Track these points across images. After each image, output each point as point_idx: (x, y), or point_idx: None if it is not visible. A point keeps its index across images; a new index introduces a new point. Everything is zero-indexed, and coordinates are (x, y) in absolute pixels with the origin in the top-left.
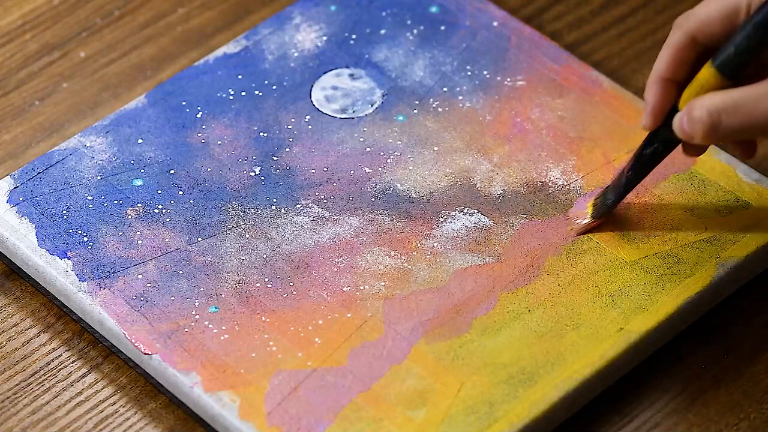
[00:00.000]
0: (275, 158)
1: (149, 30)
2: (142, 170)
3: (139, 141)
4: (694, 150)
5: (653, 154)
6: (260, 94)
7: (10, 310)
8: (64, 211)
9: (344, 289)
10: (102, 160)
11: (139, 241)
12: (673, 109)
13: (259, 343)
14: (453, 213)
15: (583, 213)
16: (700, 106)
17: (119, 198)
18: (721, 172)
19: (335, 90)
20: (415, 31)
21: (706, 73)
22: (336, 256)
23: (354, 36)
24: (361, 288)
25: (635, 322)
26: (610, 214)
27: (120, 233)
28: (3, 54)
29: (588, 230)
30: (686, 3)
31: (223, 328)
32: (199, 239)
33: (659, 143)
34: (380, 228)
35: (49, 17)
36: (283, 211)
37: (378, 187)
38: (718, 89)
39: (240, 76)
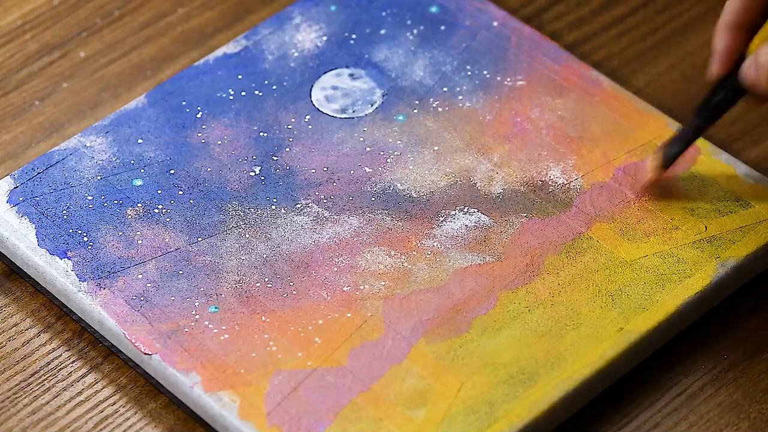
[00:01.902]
0: (275, 158)
1: (149, 30)
2: (142, 170)
3: (139, 141)
4: (760, 100)
5: (721, 102)
6: (260, 94)
7: (10, 310)
8: (64, 211)
9: (344, 288)
10: (102, 160)
11: (139, 241)
12: (742, 57)
13: (259, 343)
14: (453, 212)
15: (651, 165)
16: (766, 54)
17: (119, 198)
18: (721, 172)
19: (335, 90)
20: (415, 31)
21: None
22: (336, 256)
23: (354, 36)
24: (361, 288)
25: (635, 322)
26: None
27: (120, 233)
28: (3, 54)
29: (654, 182)
30: (687, 2)
31: (223, 328)
32: (199, 239)
33: (727, 91)
34: (380, 228)
35: (49, 17)
36: (283, 211)
37: (378, 186)
38: None
39: (240, 76)
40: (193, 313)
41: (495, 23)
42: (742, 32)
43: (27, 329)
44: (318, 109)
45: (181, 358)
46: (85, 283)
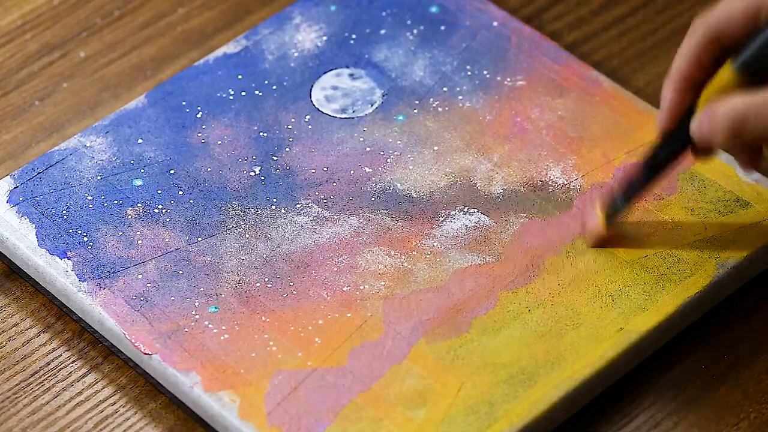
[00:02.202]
0: (275, 158)
1: (149, 30)
2: (142, 170)
3: (139, 141)
4: (704, 154)
5: (668, 156)
6: (260, 94)
7: (10, 310)
8: (64, 211)
9: (344, 288)
10: (102, 160)
11: (139, 241)
12: (690, 111)
13: (259, 343)
14: (453, 212)
15: (596, 223)
16: (722, 108)
17: (119, 198)
18: (721, 172)
19: (335, 90)
20: (415, 31)
21: (727, 74)
22: (336, 256)
23: (354, 36)
24: (361, 288)
25: (635, 322)
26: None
27: (120, 233)
28: (3, 54)
29: (604, 241)
30: (687, 2)
31: (223, 328)
32: (199, 239)
33: (674, 145)
34: (380, 228)
35: (49, 17)
36: (283, 211)
37: (378, 186)
38: (738, 91)
39: (240, 76)
40: (193, 313)
41: (495, 23)
42: (691, 87)
43: (27, 329)
44: (318, 109)
45: (181, 358)
46: (85, 283)
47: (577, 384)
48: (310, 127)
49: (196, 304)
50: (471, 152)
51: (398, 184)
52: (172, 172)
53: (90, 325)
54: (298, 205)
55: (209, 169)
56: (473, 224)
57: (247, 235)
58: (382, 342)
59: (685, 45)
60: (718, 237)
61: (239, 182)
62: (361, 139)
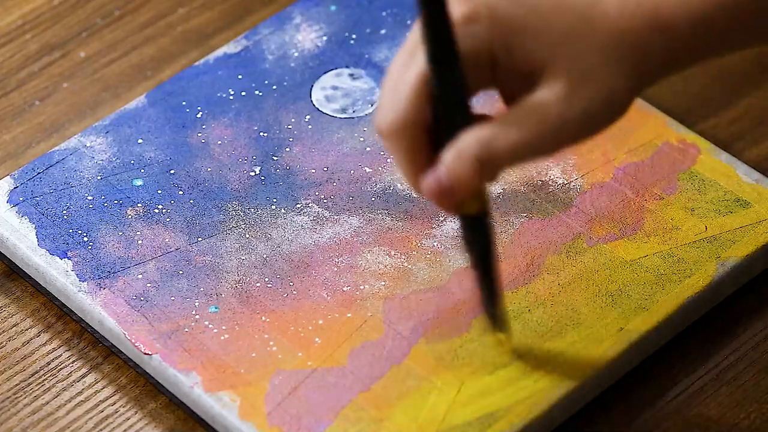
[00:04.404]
0: (275, 158)
1: (149, 30)
2: (142, 170)
3: (139, 141)
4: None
5: (476, 236)
6: (260, 94)
7: (10, 310)
8: (64, 211)
9: (344, 288)
10: (102, 160)
11: (139, 241)
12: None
13: (259, 343)
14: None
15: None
16: (461, 144)
17: (119, 198)
18: (721, 172)
19: (335, 90)
20: None
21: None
22: (336, 256)
23: (354, 36)
24: (361, 288)
25: (635, 322)
26: (501, 320)
27: (120, 233)
28: (3, 54)
29: (510, 345)
30: None
31: (223, 328)
32: (199, 239)
33: (467, 221)
34: (380, 227)
35: (49, 17)
36: (283, 210)
37: (378, 186)
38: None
39: (240, 76)
40: (193, 313)
41: None
42: (422, 131)
43: (27, 329)
44: (318, 109)
45: (181, 358)
46: (85, 283)
47: (577, 384)
48: (310, 127)
49: (196, 304)
50: None
51: (398, 184)
52: (172, 172)
53: (90, 325)
54: (298, 205)
55: (209, 169)
56: None
57: (247, 235)
58: (382, 342)
59: (403, 84)
60: (718, 237)
61: (239, 182)
62: (362, 139)
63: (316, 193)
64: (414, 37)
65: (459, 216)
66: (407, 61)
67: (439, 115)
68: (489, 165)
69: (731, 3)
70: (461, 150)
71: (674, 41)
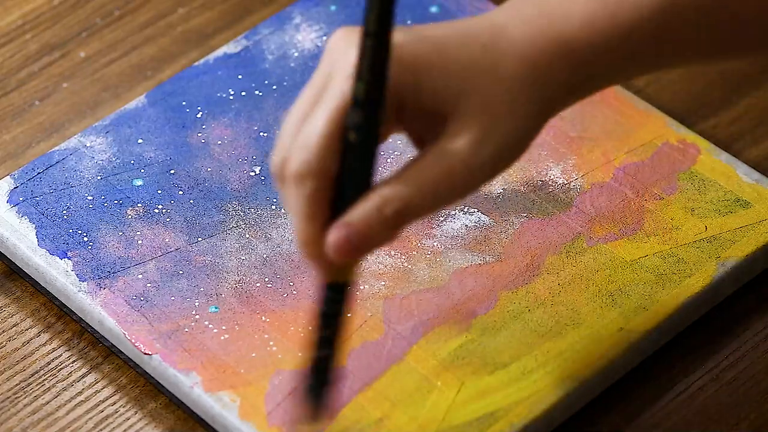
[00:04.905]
0: None
1: (149, 30)
2: (142, 170)
3: (139, 141)
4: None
5: (335, 305)
6: (260, 94)
7: (10, 310)
8: (64, 211)
9: None
10: (102, 160)
11: (139, 241)
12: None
13: (259, 343)
14: (453, 212)
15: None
16: (375, 198)
17: (119, 198)
18: (721, 172)
19: None
20: None
21: None
22: None
23: None
24: (361, 288)
25: (635, 322)
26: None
27: (120, 233)
28: (3, 54)
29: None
30: None
31: (223, 328)
32: (199, 239)
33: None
34: None
35: (49, 17)
36: (283, 210)
37: None
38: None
39: (240, 76)
40: (193, 313)
41: None
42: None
43: (27, 329)
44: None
45: (181, 358)
46: (85, 283)
47: (577, 384)
48: None
49: (196, 304)
50: None
51: None
52: (172, 172)
53: (90, 325)
54: None
55: (209, 169)
56: (473, 224)
57: (247, 235)
58: (382, 342)
59: (316, 132)
60: (718, 237)
61: (239, 182)
62: None
63: None
64: (321, 78)
65: (326, 286)
66: (314, 102)
67: (348, 162)
68: (406, 218)
69: (632, 28)
70: (382, 203)
71: (579, 67)
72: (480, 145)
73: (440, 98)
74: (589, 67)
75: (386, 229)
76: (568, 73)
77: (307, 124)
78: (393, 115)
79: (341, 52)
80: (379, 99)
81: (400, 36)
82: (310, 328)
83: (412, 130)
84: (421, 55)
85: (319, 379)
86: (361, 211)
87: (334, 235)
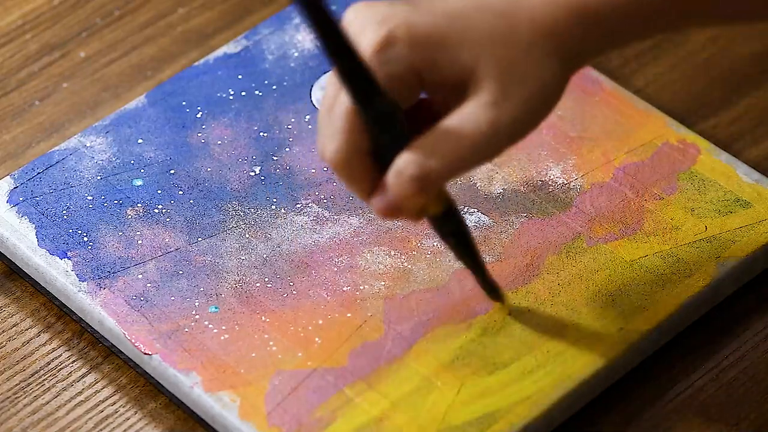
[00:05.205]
0: (275, 158)
1: (149, 30)
2: (142, 170)
3: (139, 141)
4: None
5: (455, 228)
6: (260, 94)
7: (10, 310)
8: (64, 211)
9: (344, 288)
10: (102, 160)
11: (139, 241)
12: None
13: (259, 343)
14: None
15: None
16: (399, 166)
17: (119, 198)
18: (721, 172)
19: None
20: None
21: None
22: (336, 256)
23: None
24: (361, 288)
25: (635, 322)
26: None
27: (120, 233)
28: (3, 54)
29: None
30: None
31: (223, 328)
32: (199, 239)
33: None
34: (380, 227)
35: (49, 17)
36: (283, 210)
37: None
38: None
39: (240, 76)
40: (193, 313)
41: None
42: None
43: (27, 329)
44: (318, 109)
45: (181, 358)
46: (85, 283)
47: (577, 384)
48: (310, 127)
49: (196, 304)
50: None
51: None
52: (172, 172)
53: (90, 325)
54: (298, 205)
55: (209, 169)
56: (473, 224)
57: (247, 235)
58: (382, 342)
59: (338, 118)
60: (718, 237)
61: (239, 182)
62: None
63: (316, 193)
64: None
65: (427, 218)
66: (337, 93)
67: (375, 140)
68: (428, 182)
69: None
70: (400, 172)
71: (596, 26)
72: (497, 107)
73: (458, 67)
74: (607, 27)
75: (419, 193)
76: (585, 33)
77: (334, 110)
78: (416, 89)
79: (357, 31)
80: (368, 92)
81: (410, 14)
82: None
83: (436, 98)
84: (435, 29)
85: (480, 276)
86: (391, 181)
87: (375, 207)
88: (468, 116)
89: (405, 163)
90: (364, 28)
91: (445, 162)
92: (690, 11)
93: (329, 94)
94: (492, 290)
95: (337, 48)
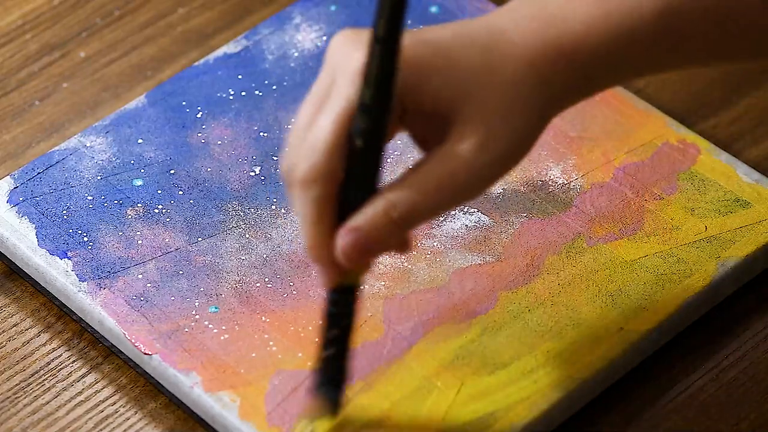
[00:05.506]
0: (275, 158)
1: (149, 30)
2: (142, 170)
3: (139, 141)
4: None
5: (347, 306)
6: (260, 94)
7: (10, 310)
8: (64, 211)
9: None
10: (102, 160)
11: (139, 241)
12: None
13: (259, 343)
14: (453, 212)
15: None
16: (382, 202)
17: (119, 198)
18: (721, 172)
19: None
20: None
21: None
22: None
23: None
24: (361, 288)
25: (635, 322)
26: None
27: (120, 233)
28: (3, 54)
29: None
30: None
31: (223, 328)
32: (199, 239)
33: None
34: None
35: (49, 17)
36: (283, 211)
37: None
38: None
39: (240, 76)
40: (193, 313)
41: None
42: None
43: (27, 329)
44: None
45: (181, 358)
46: (85, 283)
47: (577, 384)
48: None
49: (196, 304)
50: None
51: None
52: (172, 172)
53: (90, 325)
54: None
55: (209, 169)
56: (473, 224)
57: (247, 235)
58: (382, 342)
59: (321, 141)
60: (718, 237)
61: (239, 182)
62: None
63: None
64: (324, 82)
65: (333, 289)
66: (319, 106)
67: (354, 167)
68: (413, 220)
69: (631, 32)
70: (393, 204)
71: (578, 70)
72: (483, 149)
73: (442, 102)
74: (589, 70)
75: (394, 233)
76: (567, 76)
77: (312, 130)
78: (396, 117)
79: (344, 55)
80: (387, 105)
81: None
82: (319, 323)
83: (415, 131)
84: (423, 58)
85: (328, 378)
86: (369, 214)
87: (343, 239)
88: (453, 157)
89: (397, 197)
90: (351, 53)
91: (435, 201)
92: (663, 55)
93: (307, 111)
94: (336, 402)
95: (395, 41)
